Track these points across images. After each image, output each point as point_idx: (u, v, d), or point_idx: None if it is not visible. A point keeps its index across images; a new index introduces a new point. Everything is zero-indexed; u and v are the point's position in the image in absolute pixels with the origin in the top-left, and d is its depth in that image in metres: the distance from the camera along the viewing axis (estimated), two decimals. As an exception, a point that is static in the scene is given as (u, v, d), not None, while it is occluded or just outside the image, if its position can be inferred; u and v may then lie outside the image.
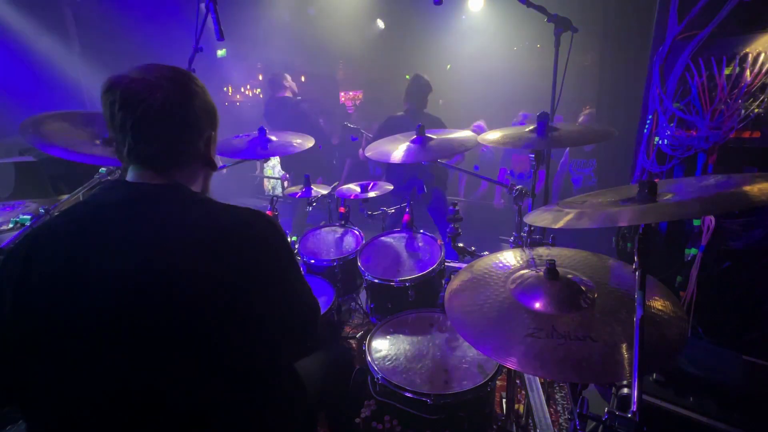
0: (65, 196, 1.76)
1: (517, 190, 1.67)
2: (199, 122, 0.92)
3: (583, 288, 1.07)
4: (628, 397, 1.30)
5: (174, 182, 0.89)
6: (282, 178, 6.14)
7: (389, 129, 3.48)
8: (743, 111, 1.72)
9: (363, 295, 2.17)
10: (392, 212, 2.50)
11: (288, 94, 4.35)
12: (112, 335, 0.74)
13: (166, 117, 0.86)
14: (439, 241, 2.08)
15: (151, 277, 0.75)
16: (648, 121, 2.08)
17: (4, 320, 0.77)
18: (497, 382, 1.42)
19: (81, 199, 1.69)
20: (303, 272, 2.18)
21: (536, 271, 1.15)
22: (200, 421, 0.78)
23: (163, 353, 0.75)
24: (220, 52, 6.37)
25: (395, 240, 2.17)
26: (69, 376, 0.75)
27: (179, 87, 0.88)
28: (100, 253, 0.77)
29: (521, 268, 1.22)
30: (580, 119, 4.14)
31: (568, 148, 4.03)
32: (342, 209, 2.42)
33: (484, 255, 1.39)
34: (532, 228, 1.62)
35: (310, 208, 2.48)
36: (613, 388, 1.37)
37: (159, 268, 0.76)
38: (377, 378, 1.40)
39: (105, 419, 0.75)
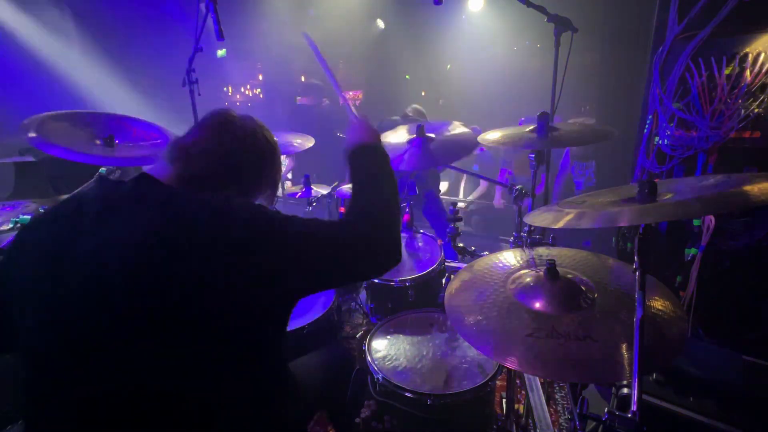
0: (65, 196, 1.76)
1: (517, 190, 1.67)
2: (240, 164, 0.96)
3: (583, 288, 1.07)
4: (628, 397, 1.29)
5: (152, 178, 0.87)
6: (282, 179, 6.14)
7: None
8: (743, 111, 1.72)
9: (363, 295, 2.17)
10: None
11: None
12: (86, 330, 0.75)
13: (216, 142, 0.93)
14: (439, 241, 2.08)
15: (122, 271, 0.74)
16: (648, 121, 2.08)
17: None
18: (497, 382, 1.42)
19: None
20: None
21: (536, 271, 1.15)
22: (184, 416, 0.77)
23: (139, 349, 0.74)
24: (220, 52, 6.36)
25: (395, 240, 2.17)
26: (50, 378, 0.77)
27: (252, 129, 0.98)
28: (76, 247, 0.78)
29: (521, 268, 1.22)
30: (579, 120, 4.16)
31: (568, 149, 4.03)
32: (342, 209, 2.42)
33: (484, 255, 1.39)
34: (532, 228, 1.62)
35: (311, 208, 2.48)
36: (613, 388, 1.37)
37: (129, 261, 0.75)
38: (377, 378, 1.40)
39: (88, 416, 0.76)
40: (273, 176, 1.06)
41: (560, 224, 0.95)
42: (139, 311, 0.73)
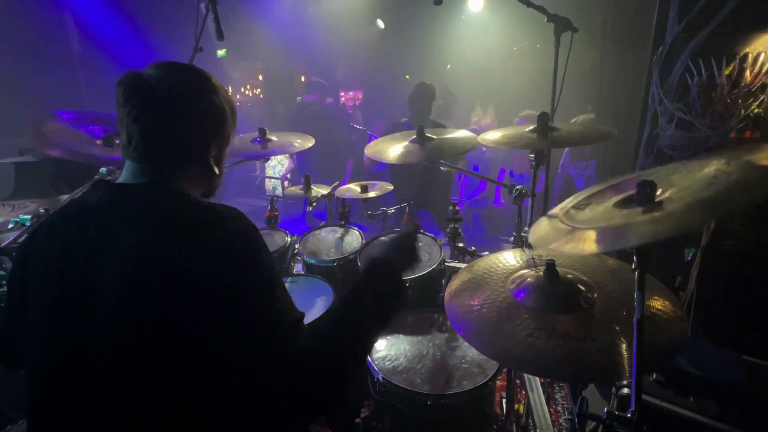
0: (65, 196, 1.76)
1: (517, 190, 1.67)
2: (197, 124, 0.88)
3: (583, 288, 1.07)
4: (628, 397, 1.29)
5: (155, 181, 0.84)
6: (282, 179, 6.14)
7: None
8: (743, 111, 1.72)
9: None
10: (392, 212, 2.50)
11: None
12: (81, 340, 0.74)
13: (159, 112, 0.83)
14: (439, 241, 2.08)
15: (112, 283, 0.74)
16: (648, 121, 2.08)
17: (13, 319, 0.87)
18: (497, 382, 1.42)
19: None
20: (302, 273, 2.18)
21: (536, 271, 1.15)
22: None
23: (145, 363, 0.73)
24: (220, 52, 6.36)
25: (395, 240, 2.17)
26: (54, 392, 0.78)
27: (178, 85, 0.86)
28: (79, 257, 0.77)
29: (521, 268, 1.22)
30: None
31: (567, 150, 4.03)
32: (342, 209, 2.42)
33: (484, 255, 1.39)
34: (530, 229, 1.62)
35: (310, 208, 2.48)
36: (613, 388, 1.37)
37: (118, 274, 0.73)
38: (377, 378, 1.40)
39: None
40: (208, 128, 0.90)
41: (567, 247, 0.85)
42: (144, 324, 0.72)
